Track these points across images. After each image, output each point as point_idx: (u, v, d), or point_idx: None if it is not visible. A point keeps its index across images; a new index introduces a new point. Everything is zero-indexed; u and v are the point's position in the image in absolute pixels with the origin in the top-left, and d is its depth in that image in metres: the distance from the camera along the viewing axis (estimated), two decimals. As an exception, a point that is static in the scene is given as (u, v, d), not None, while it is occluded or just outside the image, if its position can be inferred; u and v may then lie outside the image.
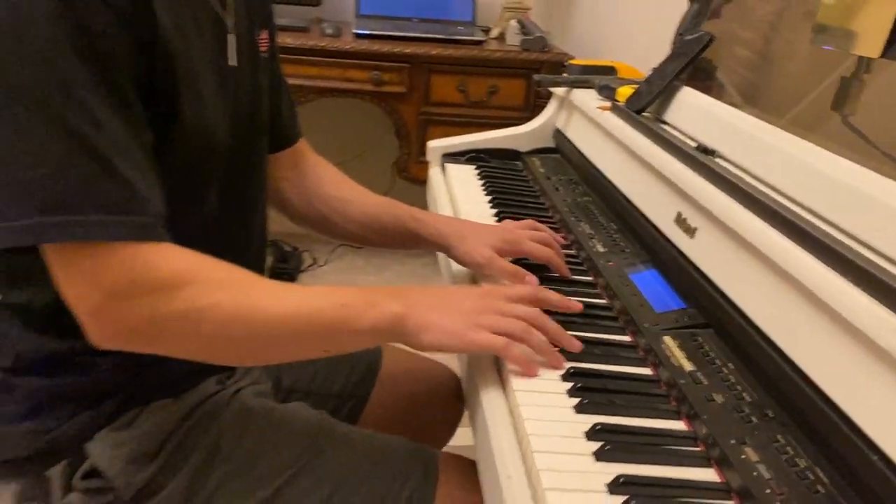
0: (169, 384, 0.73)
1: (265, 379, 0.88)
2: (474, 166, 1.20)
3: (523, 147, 1.28)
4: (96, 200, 0.58)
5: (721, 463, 0.55)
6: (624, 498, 0.51)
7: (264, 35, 0.83)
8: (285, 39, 1.92)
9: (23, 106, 0.56)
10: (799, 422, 0.56)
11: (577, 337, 0.68)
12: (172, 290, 0.60)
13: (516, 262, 0.83)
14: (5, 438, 0.70)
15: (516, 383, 0.63)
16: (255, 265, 0.86)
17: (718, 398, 0.60)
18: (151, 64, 0.62)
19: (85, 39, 0.57)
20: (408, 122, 2.14)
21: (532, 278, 0.79)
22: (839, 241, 0.56)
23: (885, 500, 0.46)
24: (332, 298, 0.64)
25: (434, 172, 1.20)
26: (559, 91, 1.28)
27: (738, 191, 0.68)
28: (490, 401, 0.63)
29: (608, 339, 0.71)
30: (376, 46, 2.03)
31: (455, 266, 0.88)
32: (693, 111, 0.90)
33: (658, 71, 0.97)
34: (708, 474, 0.55)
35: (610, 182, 0.97)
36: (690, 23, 1.05)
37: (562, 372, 0.65)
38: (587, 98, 1.14)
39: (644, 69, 1.16)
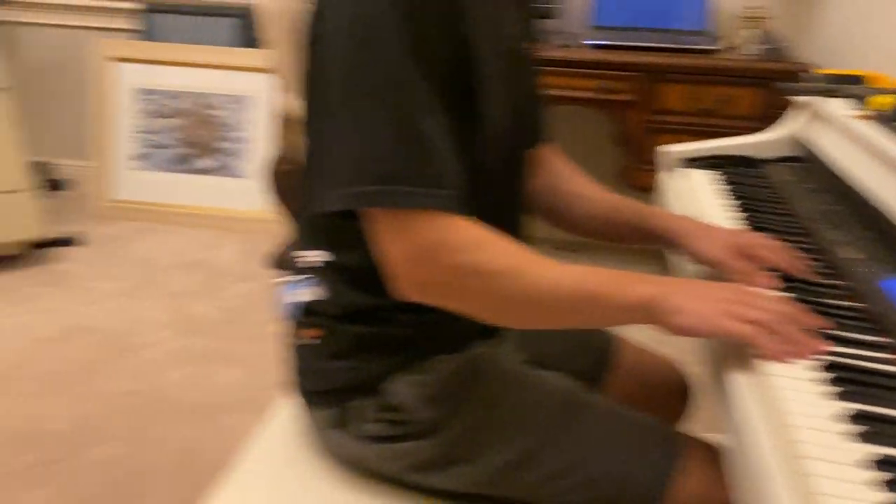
0: (449, 341, 0.87)
1: (519, 350, 0.99)
2: (714, 172, 1.24)
3: (760, 155, 1.29)
4: (417, 176, 0.71)
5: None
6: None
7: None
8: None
9: (366, 96, 0.71)
10: None
11: (828, 336, 0.71)
12: (468, 254, 0.73)
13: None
14: (327, 372, 0.87)
15: (770, 370, 0.66)
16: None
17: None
18: (460, 61, 0.76)
19: (418, 44, 0.71)
20: (634, 131, 2.19)
21: (769, 277, 0.81)
22: None
23: None
24: (599, 274, 0.74)
25: (667, 178, 1.26)
26: (801, 100, 1.28)
27: None
28: (743, 389, 0.66)
29: (862, 339, 0.73)
30: (608, 56, 2.10)
31: (688, 265, 0.93)
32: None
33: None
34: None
35: (865, 191, 0.98)
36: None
37: (816, 363, 0.67)
38: (838, 107, 1.14)
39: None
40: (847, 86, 1.24)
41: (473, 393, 0.85)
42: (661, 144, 1.33)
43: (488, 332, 0.92)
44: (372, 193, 0.71)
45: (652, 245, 0.96)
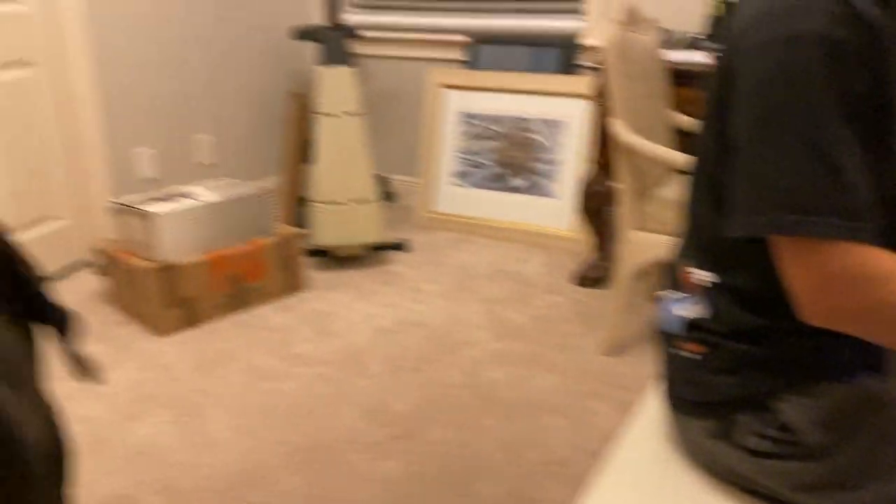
0: (835, 368, 0.89)
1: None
2: None
3: None
4: (827, 206, 0.76)
5: None
6: None
7: None
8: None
9: (785, 131, 0.77)
10: None
11: None
12: (881, 284, 0.75)
13: None
14: (710, 385, 0.94)
15: None
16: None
17: None
18: (877, 99, 0.78)
19: (842, 85, 0.75)
20: None
21: None
22: None
23: None
24: None
25: None
26: None
27: None
28: None
29: None
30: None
31: None
32: None
33: None
34: None
35: None
36: None
37: None
38: None
39: None
40: None
41: (866, 422, 0.87)
42: None
43: (875, 365, 0.92)
44: (790, 223, 0.77)
45: None
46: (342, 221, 2.92)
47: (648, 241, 2.17)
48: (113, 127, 3.05)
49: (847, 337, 0.80)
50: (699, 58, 2.44)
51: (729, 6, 2.52)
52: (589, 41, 3.14)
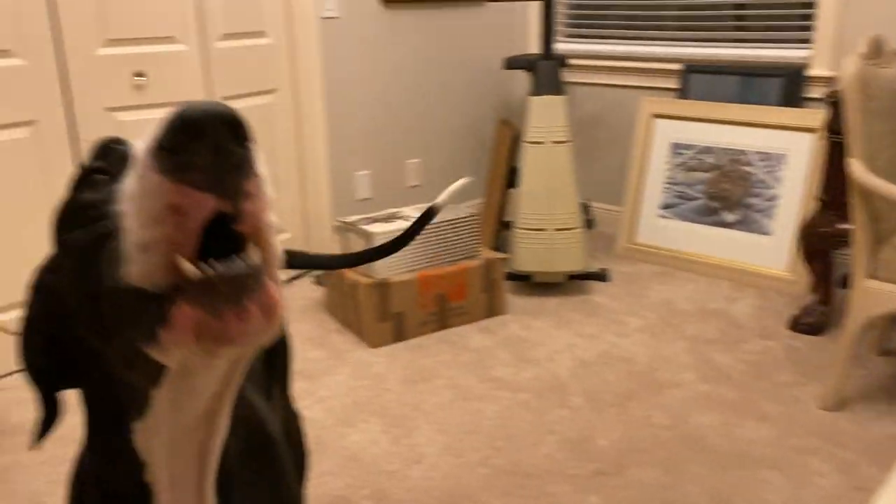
0: None
1: None
2: None
3: None
4: None
5: None
6: None
7: None
8: None
9: None
10: None
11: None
12: None
13: None
14: None
15: None
16: None
17: None
18: None
19: None
20: None
21: None
22: None
23: None
24: None
25: None
26: None
27: None
28: None
29: None
30: None
31: None
32: None
33: None
34: None
35: None
36: None
37: None
38: None
39: None
40: None
41: None
42: None
43: None
44: None
45: None
46: (545, 248, 2.95)
47: (882, 290, 2.00)
48: (336, 150, 3.30)
49: None
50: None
51: None
52: (816, 71, 2.96)
